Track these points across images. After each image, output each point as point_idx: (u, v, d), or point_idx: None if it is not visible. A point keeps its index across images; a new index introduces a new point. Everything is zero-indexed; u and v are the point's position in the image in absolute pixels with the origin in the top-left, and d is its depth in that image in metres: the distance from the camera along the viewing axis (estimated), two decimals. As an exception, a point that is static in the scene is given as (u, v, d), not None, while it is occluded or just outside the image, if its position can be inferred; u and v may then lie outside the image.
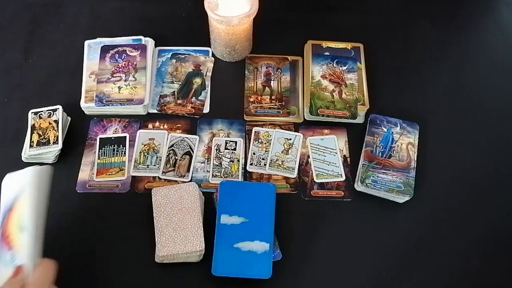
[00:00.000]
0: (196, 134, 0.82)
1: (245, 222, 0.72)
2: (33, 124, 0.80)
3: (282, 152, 0.81)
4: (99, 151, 0.80)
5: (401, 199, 0.77)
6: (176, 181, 0.78)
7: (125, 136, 0.82)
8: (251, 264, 0.69)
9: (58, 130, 0.79)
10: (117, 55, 0.87)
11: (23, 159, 0.78)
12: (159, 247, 0.68)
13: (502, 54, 0.95)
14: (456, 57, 0.94)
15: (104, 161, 0.79)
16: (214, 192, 0.76)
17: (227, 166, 0.80)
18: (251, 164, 0.80)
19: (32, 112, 0.81)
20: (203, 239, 0.69)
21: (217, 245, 0.70)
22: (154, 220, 0.70)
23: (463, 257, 0.74)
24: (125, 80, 0.84)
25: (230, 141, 0.82)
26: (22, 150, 0.78)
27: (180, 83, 0.88)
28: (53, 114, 0.80)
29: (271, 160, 0.80)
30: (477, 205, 0.78)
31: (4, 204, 0.61)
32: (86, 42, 0.88)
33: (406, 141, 0.81)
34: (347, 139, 0.83)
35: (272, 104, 0.86)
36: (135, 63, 0.86)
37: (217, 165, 0.80)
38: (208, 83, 0.88)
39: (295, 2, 0.99)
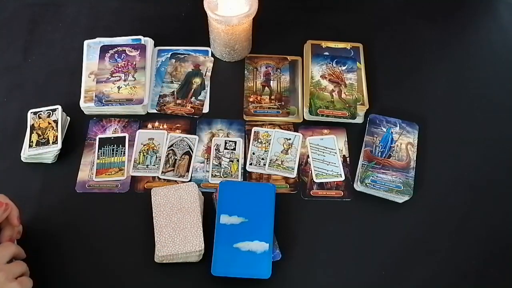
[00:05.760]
0: (195, 134, 0.82)
1: (244, 222, 0.71)
2: (33, 124, 0.80)
3: (281, 152, 0.81)
4: (98, 151, 0.80)
5: (401, 199, 0.77)
6: (175, 181, 0.78)
7: (125, 136, 0.82)
8: (250, 264, 0.69)
9: (57, 130, 0.79)
10: (116, 55, 0.87)
11: (22, 159, 0.78)
12: (159, 247, 0.68)
13: (502, 54, 0.94)
14: (456, 57, 0.94)
15: (103, 161, 0.79)
16: (214, 192, 0.76)
17: (227, 166, 0.80)
18: (250, 164, 0.80)
19: (31, 112, 0.81)
20: (202, 239, 0.69)
21: (217, 245, 0.70)
22: (154, 220, 0.70)
23: (462, 257, 0.74)
24: (125, 80, 0.84)
25: (230, 141, 0.82)
26: (22, 150, 0.78)
27: (179, 83, 0.88)
28: (53, 114, 0.80)
29: (270, 160, 0.80)
30: (477, 205, 0.78)
31: None
32: (86, 42, 0.88)
33: (405, 141, 0.81)
34: (346, 139, 0.83)
35: (271, 104, 0.86)
36: (134, 63, 0.86)
37: (217, 165, 0.80)
38: (207, 83, 0.88)
39: (295, 2, 0.99)
